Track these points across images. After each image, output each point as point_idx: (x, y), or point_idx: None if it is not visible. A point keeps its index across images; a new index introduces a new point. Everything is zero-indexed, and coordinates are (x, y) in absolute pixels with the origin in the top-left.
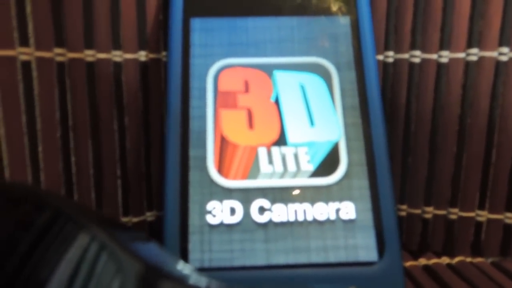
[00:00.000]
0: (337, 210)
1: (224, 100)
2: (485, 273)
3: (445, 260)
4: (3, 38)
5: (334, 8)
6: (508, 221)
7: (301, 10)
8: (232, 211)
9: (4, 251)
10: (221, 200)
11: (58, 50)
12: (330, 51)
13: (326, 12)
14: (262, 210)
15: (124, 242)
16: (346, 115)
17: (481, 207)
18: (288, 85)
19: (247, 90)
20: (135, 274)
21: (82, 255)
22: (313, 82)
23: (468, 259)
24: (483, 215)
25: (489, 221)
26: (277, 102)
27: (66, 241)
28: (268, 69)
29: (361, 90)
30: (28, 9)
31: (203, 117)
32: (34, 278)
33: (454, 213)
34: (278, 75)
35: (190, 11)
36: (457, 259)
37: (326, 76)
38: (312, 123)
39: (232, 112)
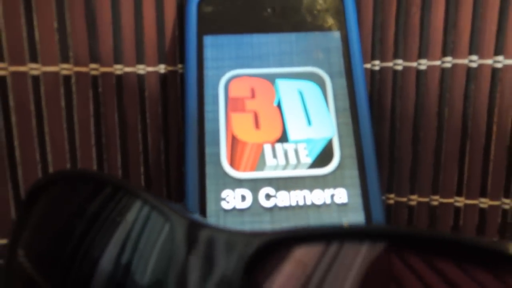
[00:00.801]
0: (332, 196)
1: (234, 105)
2: None
3: None
4: (48, 56)
5: (327, 24)
6: (482, 205)
7: (299, 27)
8: (243, 198)
9: (79, 217)
10: (233, 189)
11: (92, 65)
12: (324, 61)
13: (320, 28)
14: (268, 196)
15: (169, 204)
16: (338, 115)
17: (459, 193)
18: (288, 91)
19: (253, 96)
20: (181, 225)
21: (137, 215)
22: (310, 88)
23: None
24: (460, 201)
25: (466, 206)
26: (279, 106)
27: (124, 207)
28: (271, 78)
29: (351, 94)
30: (68, 29)
31: (216, 120)
32: (100, 235)
33: (436, 199)
34: (280, 83)
35: (203, 30)
36: None
37: (320, 83)
38: (309, 122)
39: (241, 115)
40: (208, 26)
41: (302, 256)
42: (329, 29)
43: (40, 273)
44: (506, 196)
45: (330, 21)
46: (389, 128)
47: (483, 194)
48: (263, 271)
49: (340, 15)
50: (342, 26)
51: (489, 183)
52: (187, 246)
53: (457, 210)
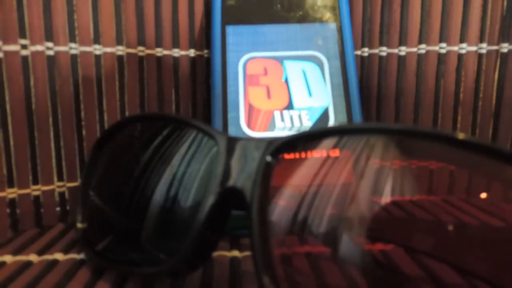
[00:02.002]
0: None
1: (250, 80)
2: None
3: None
4: (108, 38)
5: (325, 17)
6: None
7: (302, 19)
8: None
9: (140, 150)
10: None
11: (140, 48)
12: (322, 47)
13: (319, 20)
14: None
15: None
16: (333, 89)
17: None
18: (293, 70)
19: (266, 73)
20: (222, 140)
21: (193, 140)
22: (311, 68)
23: None
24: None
25: None
26: (286, 81)
27: (184, 135)
28: (280, 59)
29: (344, 73)
30: (123, 19)
31: (236, 92)
32: (166, 156)
33: None
34: (287, 63)
35: (226, 21)
36: None
37: (319, 64)
38: (310, 94)
39: (256, 88)
40: (229, 17)
41: (308, 151)
42: (326, 21)
43: (109, 206)
44: None
45: (328, 14)
46: (375, 105)
47: None
48: (279, 163)
49: (335, 10)
50: (337, 19)
51: None
52: (227, 152)
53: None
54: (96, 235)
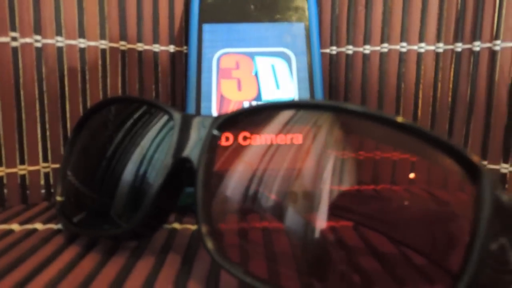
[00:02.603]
0: (291, 139)
1: (223, 73)
2: None
3: None
4: (92, 33)
5: (295, 17)
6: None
7: (274, 18)
8: (227, 138)
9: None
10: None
11: (122, 42)
12: (291, 44)
13: (289, 20)
14: (245, 138)
15: (173, 107)
16: (299, 83)
17: None
18: (263, 64)
19: (237, 67)
20: (178, 116)
21: (154, 118)
22: (279, 63)
23: None
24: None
25: None
26: (256, 75)
27: (147, 114)
28: (251, 55)
29: (309, 68)
30: (106, 14)
31: (209, 84)
32: (130, 134)
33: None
34: (257, 58)
35: (202, 20)
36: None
37: (287, 59)
38: (278, 87)
39: (227, 80)
40: (206, 16)
41: (250, 124)
42: (296, 20)
43: (84, 185)
44: None
45: (297, 15)
46: (343, 99)
47: None
48: (224, 136)
49: (304, 11)
50: (306, 19)
51: None
52: (181, 127)
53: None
54: (72, 208)
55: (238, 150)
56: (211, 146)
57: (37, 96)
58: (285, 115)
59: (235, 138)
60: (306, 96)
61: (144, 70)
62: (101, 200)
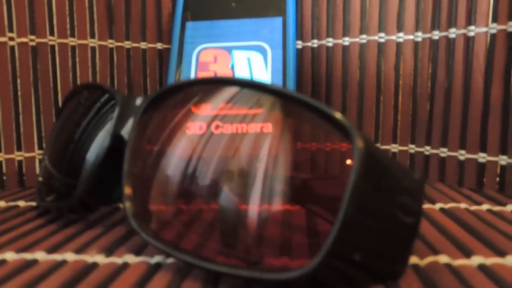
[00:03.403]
0: (261, 128)
1: (202, 67)
2: None
3: None
4: (82, 32)
5: (273, 13)
6: (394, 150)
7: (251, 13)
8: (200, 127)
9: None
10: (194, 121)
11: (110, 41)
12: (267, 37)
13: (267, 15)
14: (217, 127)
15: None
16: (273, 74)
17: (376, 141)
18: (240, 58)
19: (215, 61)
20: (120, 98)
21: (103, 101)
22: (255, 56)
23: None
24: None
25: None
26: (232, 67)
27: (99, 98)
28: (229, 49)
29: (284, 60)
30: (95, 15)
31: (189, 76)
32: (85, 116)
33: None
34: (235, 52)
35: (185, 18)
36: None
37: (263, 52)
38: (252, 78)
39: (205, 73)
40: (189, 14)
41: (178, 102)
42: (274, 15)
43: (53, 166)
44: (412, 142)
45: (275, 10)
46: (324, 91)
47: (394, 140)
48: (154, 110)
49: (283, 6)
50: (284, 14)
51: (398, 131)
52: (121, 107)
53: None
54: (43, 186)
55: (164, 127)
56: (140, 121)
57: (32, 90)
58: (207, 90)
59: (165, 115)
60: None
61: (132, 67)
62: (60, 178)
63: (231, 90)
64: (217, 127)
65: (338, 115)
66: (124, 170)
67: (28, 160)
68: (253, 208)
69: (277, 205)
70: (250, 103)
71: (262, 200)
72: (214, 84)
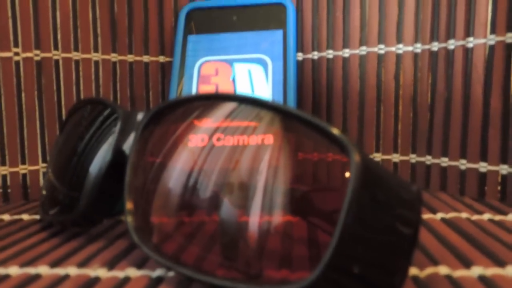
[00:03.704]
0: (263, 139)
1: (203, 79)
2: None
3: None
4: (86, 46)
5: (274, 26)
6: (395, 160)
7: (252, 27)
8: (202, 139)
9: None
10: (196, 133)
11: (113, 55)
12: (268, 50)
13: (268, 27)
14: (219, 139)
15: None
16: (274, 86)
17: (377, 150)
18: (241, 70)
19: (217, 74)
20: (122, 114)
21: (106, 116)
22: (256, 68)
23: None
24: (377, 157)
25: (382, 160)
26: (233, 80)
27: (102, 113)
28: (230, 62)
29: (285, 72)
30: (98, 30)
31: (190, 90)
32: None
33: None
34: (236, 65)
35: (188, 31)
36: None
37: (264, 64)
38: (253, 90)
39: (207, 86)
40: (191, 29)
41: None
42: (275, 28)
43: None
44: (413, 152)
45: (276, 23)
46: (325, 102)
47: (395, 150)
48: (155, 125)
49: (283, 18)
50: (284, 26)
51: (399, 141)
52: (123, 123)
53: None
54: (47, 200)
55: (165, 141)
56: (142, 136)
57: (36, 104)
58: (207, 105)
59: (164, 130)
60: (280, 98)
61: (135, 80)
62: (63, 191)
63: (230, 105)
64: (218, 139)
65: (334, 130)
66: (126, 184)
67: (32, 173)
68: (253, 220)
69: (277, 217)
70: (250, 118)
71: (262, 212)
72: (213, 100)
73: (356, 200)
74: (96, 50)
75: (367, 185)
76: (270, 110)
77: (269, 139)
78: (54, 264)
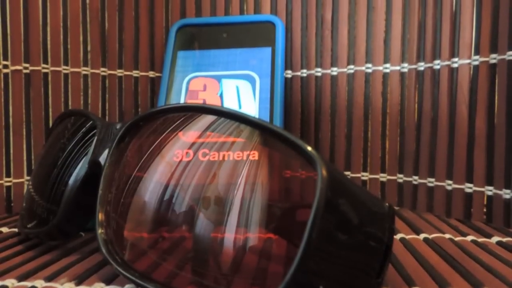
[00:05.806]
0: (248, 155)
1: (191, 95)
2: None
3: None
4: (76, 60)
5: (262, 43)
6: (382, 179)
7: (241, 44)
8: (187, 154)
9: (70, 137)
10: (182, 149)
11: (103, 69)
12: (256, 67)
13: (257, 45)
14: (204, 154)
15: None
16: (261, 102)
17: (364, 169)
18: (228, 86)
19: (204, 89)
20: (101, 125)
21: (86, 127)
22: (244, 84)
23: None
24: (365, 176)
25: (370, 180)
26: (221, 95)
27: (82, 124)
28: (218, 78)
29: (272, 89)
30: (89, 45)
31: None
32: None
33: (348, 175)
34: (224, 80)
35: (177, 48)
36: None
37: (252, 81)
38: (240, 106)
39: (195, 101)
40: (181, 44)
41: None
42: (263, 46)
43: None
44: (400, 172)
45: (265, 41)
46: (313, 118)
47: (383, 170)
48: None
49: (272, 36)
50: (273, 44)
51: (386, 160)
52: (101, 134)
53: (363, 183)
54: (26, 212)
55: (140, 154)
56: (117, 147)
57: (24, 116)
58: (184, 120)
59: (141, 143)
60: (266, 114)
61: (124, 94)
62: (41, 204)
63: (204, 118)
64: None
65: (301, 143)
66: (99, 196)
67: (16, 186)
68: (225, 236)
69: (248, 234)
70: (225, 131)
71: (233, 228)
72: (186, 112)
73: (321, 215)
74: (85, 64)
75: (333, 200)
76: (242, 122)
77: (243, 154)
78: (23, 277)
